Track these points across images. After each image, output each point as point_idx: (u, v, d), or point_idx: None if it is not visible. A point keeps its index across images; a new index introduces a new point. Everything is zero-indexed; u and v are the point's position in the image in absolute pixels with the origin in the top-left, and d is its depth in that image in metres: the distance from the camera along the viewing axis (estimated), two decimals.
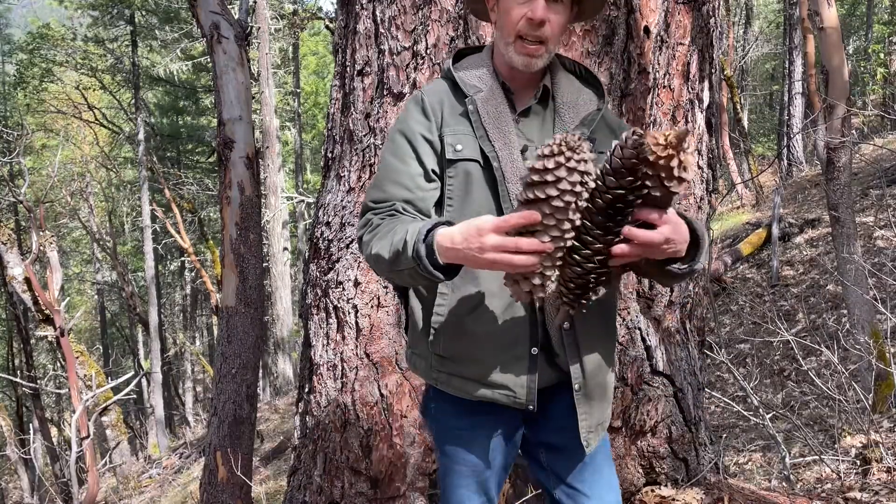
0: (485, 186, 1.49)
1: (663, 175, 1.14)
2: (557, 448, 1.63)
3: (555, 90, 1.57)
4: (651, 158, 1.13)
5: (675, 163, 1.12)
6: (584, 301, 1.33)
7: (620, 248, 1.23)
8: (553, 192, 1.17)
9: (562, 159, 1.16)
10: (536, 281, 1.25)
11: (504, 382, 1.51)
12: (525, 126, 1.55)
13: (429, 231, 1.33)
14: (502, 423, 1.59)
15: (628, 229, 1.22)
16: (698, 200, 2.79)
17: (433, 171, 1.51)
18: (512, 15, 1.45)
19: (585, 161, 1.17)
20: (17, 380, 11.40)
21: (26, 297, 8.86)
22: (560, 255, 1.24)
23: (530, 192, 1.19)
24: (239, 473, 3.77)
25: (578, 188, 1.17)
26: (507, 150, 1.48)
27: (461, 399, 1.57)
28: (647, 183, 1.16)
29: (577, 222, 1.21)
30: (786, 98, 13.93)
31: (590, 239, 1.23)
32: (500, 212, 1.46)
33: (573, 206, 1.18)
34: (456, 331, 1.52)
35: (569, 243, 1.23)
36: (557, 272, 1.27)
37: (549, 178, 1.16)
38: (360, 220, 1.56)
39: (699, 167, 2.81)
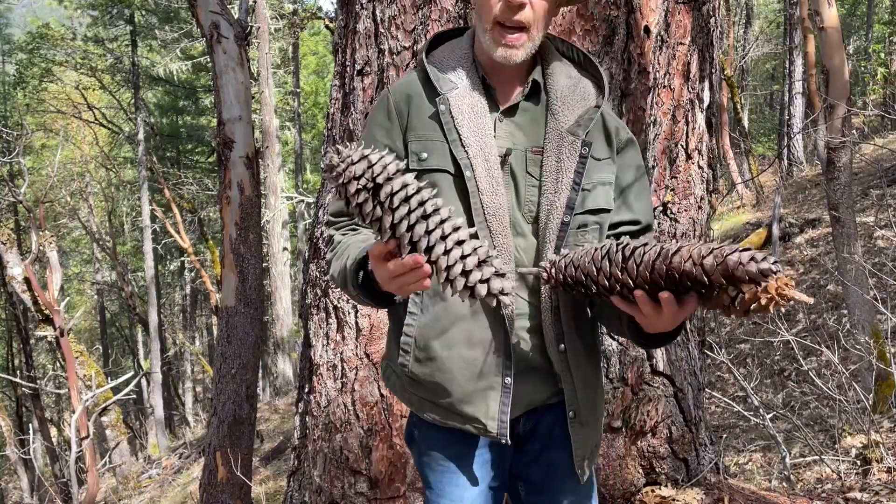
0: (456, 198, 1.34)
1: (744, 302, 1.10)
2: (538, 485, 1.51)
3: (548, 83, 1.39)
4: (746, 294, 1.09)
5: (763, 302, 1.08)
6: (571, 291, 1.29)
7: (641, 297, 1.15)
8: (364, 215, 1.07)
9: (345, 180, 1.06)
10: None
11: (474, 414, 1.38)
12: (510, 126, 1.38)
13: (362, 259, 1.25)
14: (490, 452, 1.47)
15: (667, 296, 1.13)
16: (698, 200, 2.78)
17: None
18: None
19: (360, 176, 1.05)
20: (17, 380, 11.41)
21: (26, 297, 8.86)
22: (449, 259, 1.09)
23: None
24: (239, 473, 3.77)
25: (364, 195, 1.06)
26: (482, 156, 1.33)
27: (441, 430, 1.45)
28: (722, 300, 1.13)
29: (416, 230, 1.07)
30: (786, 98, 13.93)
31: (625, 277, 1.17)
32: (471, 226, 1.33)
33: (386, 220, 1.06)
34: (425, 355, 1.39)
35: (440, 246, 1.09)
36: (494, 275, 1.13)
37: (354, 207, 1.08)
38: (326, 234, 1.44)
39: (699, 167, 2.81)
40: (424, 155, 1.35)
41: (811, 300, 1.11)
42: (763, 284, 1.07)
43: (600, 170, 1.39)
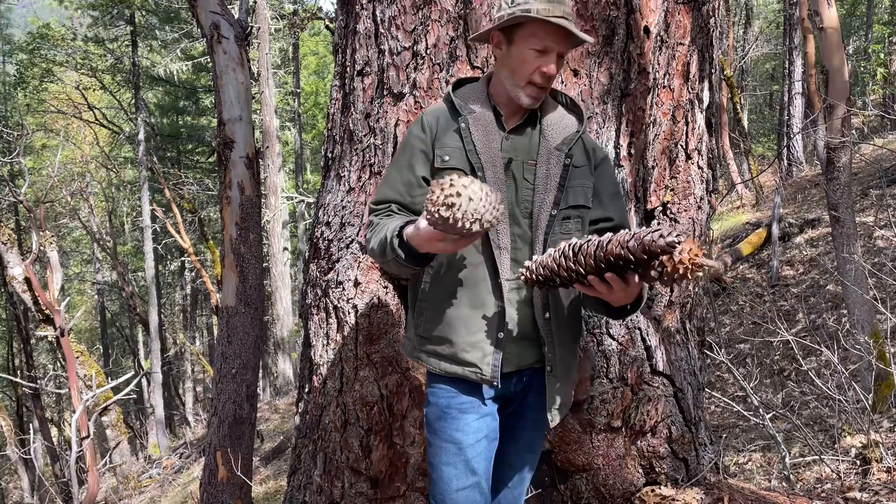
0: None
1: (665, 273, 1.40)
2: (508, 422, 1.92)
3: (542, 115, 1.86)
4: (669, 268, 1.37)
5: (681, 271, 1.36)
6: (547, 286, 1.64)
7: (594, 280, 1.52)
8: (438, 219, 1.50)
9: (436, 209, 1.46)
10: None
11: (472, 361, 1.78)
12: (513, 142, 1.84)
13: (401, 227, 1.67)
14: (489, 408, 1.84)
15: (611, 276, 1.50)
16: (698, 200, 2.79)
17: (424, 178, 1.81)
18: (528, 64, 1.73)
19: (449, 195, 1.45)
20: (17, 380, 11.41)
21: (26, 297, 8.87)
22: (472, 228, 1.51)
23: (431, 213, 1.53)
24: (239, 473, 3.77)
25: (445, 211, 1.47)
26: (490, 161, 1.78)
27: (449, 383, 1.82)
28: (651, 273, 1.43)
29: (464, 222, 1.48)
30: (786, 98, 13.92)
31: (577, 267, 1.51)
32: None
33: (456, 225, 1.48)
34: (435, 314, 1.81)
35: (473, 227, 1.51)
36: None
37: (434, 216, 1.49)
38: (367, 220, 1.84)
39: (699, 167, 2.81)
40: (447, 158, 1.79)
41: (717, 264, 1.34)
42: (677, 257, 1.35)
43: (579, 175, 1.84)
